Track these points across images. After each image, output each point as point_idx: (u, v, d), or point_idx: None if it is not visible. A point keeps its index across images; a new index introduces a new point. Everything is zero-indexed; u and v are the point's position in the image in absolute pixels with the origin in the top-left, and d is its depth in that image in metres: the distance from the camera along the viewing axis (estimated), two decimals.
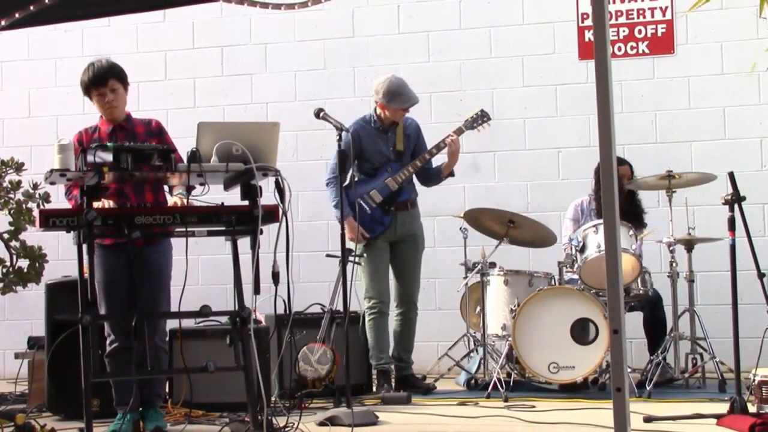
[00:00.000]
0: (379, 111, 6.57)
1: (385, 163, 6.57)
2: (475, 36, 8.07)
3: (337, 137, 5.63)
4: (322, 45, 8.27)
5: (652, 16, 7.86)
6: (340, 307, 5.68)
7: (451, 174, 6.70)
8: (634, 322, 6.81)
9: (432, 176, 6.73)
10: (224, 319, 4.60)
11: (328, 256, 6.23)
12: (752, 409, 5.11)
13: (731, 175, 5.23)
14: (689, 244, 6.60)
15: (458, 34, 8.10)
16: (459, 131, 6.57)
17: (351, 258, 5.99)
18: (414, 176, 6.67)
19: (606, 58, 2.39)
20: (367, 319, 6.53)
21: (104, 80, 4.94)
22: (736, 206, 5.27)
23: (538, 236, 6.76)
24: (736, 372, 5.20)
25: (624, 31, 7.91)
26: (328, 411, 5.37)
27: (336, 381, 5.98)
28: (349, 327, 5.63)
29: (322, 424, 5.16)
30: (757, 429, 4.70)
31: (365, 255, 6.47)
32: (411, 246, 6.63)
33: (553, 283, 6.57)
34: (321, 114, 5.79)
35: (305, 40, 8.26)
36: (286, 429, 4.58)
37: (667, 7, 7.80)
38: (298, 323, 6.16)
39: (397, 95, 6.48)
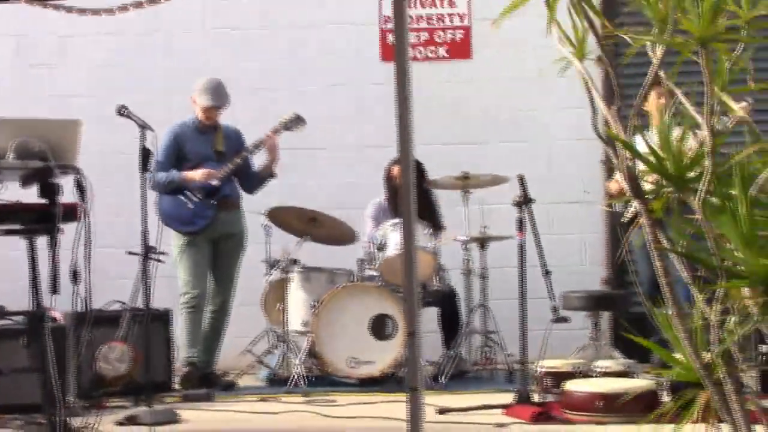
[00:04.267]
0: (196, 111, 6.63)
1: (205, 163, 6.60)
2: (278, 35, 8.12)
3: (140, 135, 5.60)
4: (125, 40, 8.13)
5: (451, 21, 8.13)
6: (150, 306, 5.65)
7: (272, 175, 6.79)
8: (430, 317, 7.06)
9: (254, 178, 6.81)
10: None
11: (129, 253, 6.17)
12: (537, 398, 5.43)
13: (521, 178, 5.53)
14: (483, 243, 6.91)
15: (262, 33, 8.13)
16: (275, 130, 6.68)
17: (153, 255, 5.95)
18: (239, 183, 6.72)
19: (405, 60, 2.51)
20: (182, 313, 6.54)
21: None
22: (525, 207, 5.58)
23: (339, 234, 6.91)
24: (522, 364, 5.52)
25: (424, 35, 8.15)
26: (127, 410, 5.35)
27: (136, 379, 5.94)
28: (150, 324, 5.62)
29: (121, 423, 5.13)
30: (539, 417, 5.01)
31: (185, 250, 6.50)
32: (232, 246, 6.70)
33: (353, 279, 6.73)
34: (124, 111, 5.74)
35: (109, 33, 8.10)
36: (84, 430, 4.54)
37: (465, 14, 8.10)
38: (98, 321, 6.05)
39: (208, 93, 6.54)
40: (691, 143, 3.08)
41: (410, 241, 2.56)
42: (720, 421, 2.97)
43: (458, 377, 6.64)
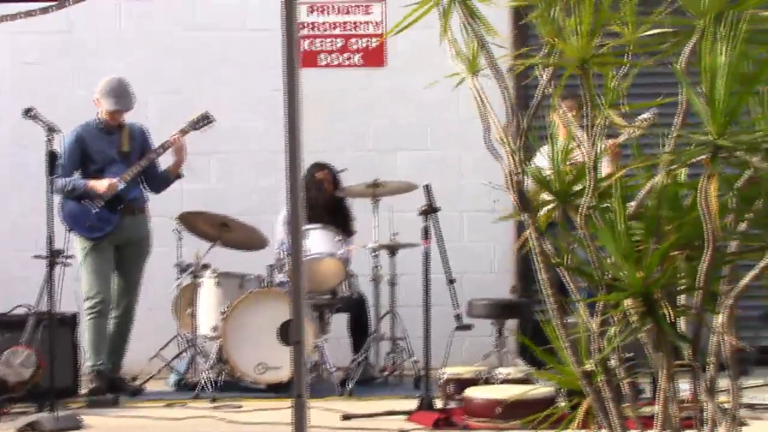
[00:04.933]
0: (101, 111, 6.57)
1: (110, 164, 6.56)
2: (196, 38, 8.09)
3: (47, 138, 5.57)
4: (37, 39, 8.03)
5: (366, 29, 8.20)
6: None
7: (179, 175, 6.77)
8: (339, 324, 7.12)
9: (160, 179, 6.77)
10: None
11: (35, 257, 6.12)
12: (440, 405, 5.52)
13: (427, 188, 5.62)
14: (392, 250, 6.99)
15: (178, 36, 8.10)
16: (183, 131, 6.66)
17: (59, 259, 5.91)
18: (144, 183, 6.69)
19: (294, 67, 2.55)
20: (86, 319, 6.49)
21: None
22: (430, 216, 5.68)
23: (250, 239, 6.93)
24: (425, 370, 5.60)
25: (339, 42, 8.21)
26: (29, 416, 5.30)
27: (41, 384, 5.88)
28: (55, 329, 5.58)
29: (22, 429, 5.09)
30: (440, 423, 5.10)
31: (89, 255, 6.44)
32: (136, 251, 6.67)
33: (263, 285, 6.76)
34: (31, 113, 5.70)
35: (20, 32, 7.98)
36: None
37: (380, 22, 8.18)
38: (2, 326, 6.02)
39: (112, 96, 6.50)
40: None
41: (298, 247, 2.60)
42: (600, 427, 3.08)
43: (366, 383, 6.71)
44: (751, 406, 5.39)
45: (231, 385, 6.55)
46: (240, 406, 5.93)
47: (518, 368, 5.78)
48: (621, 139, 5.47)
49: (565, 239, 3.14)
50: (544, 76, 2.94)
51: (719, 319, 2.85)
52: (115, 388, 6.44)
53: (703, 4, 2.68)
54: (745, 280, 2.79)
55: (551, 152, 3.17)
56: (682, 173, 2.96)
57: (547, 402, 4.96)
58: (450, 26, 3.11)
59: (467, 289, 7.05)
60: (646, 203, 3.04)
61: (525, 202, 3.02)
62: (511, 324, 7.08)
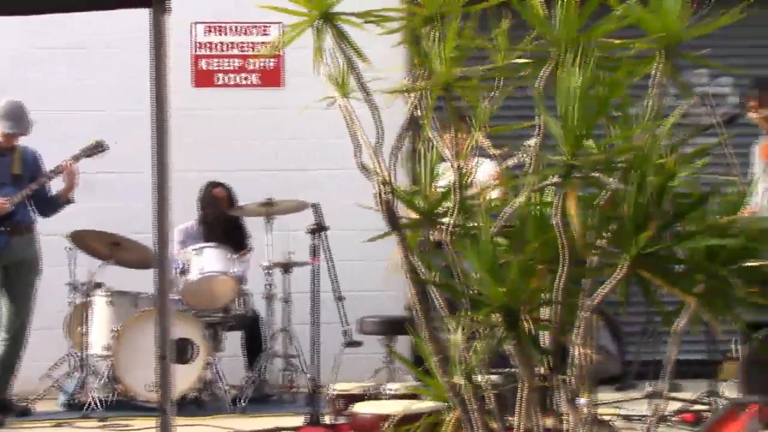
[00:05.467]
0: None
1: (0, 186, 6.48)
2: (83, 57, 8.00)
3: None
4: None
5: (264, 49, 8.24)
6: None
7: (69, 201, 6.72)
8: (234, 341, 7.14)
9: (50, 203, 6.71)
10: None
11: None
12: (329, 420, 5.58)
13: (315, 206, 5.71)
14: (286, 268, 7.03)
15: (69, 55, 8.00)
16: (76, 157, 6.63)
17: None
18: (33, 206, 6.63)
19: (163, 86, 2.59)
20: None
21: None
22: (319, 234, 5.77)
23: (143, 258, 6.89)
24: (314, 387, 5.68)
25: (237, 62, 8.25)
26: None
27: None
28: None
29: None
30: None
31: None
32: (25, 271, 6.59)
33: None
34: None
35: None
36: None
37: (278, 43, 8.24)
38: None
39: (9, 119, 6.45)
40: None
41: (164, 263, 2.65)
42: None
43: (260, 400, 6.74)
44: (628, 418, 5.58)
45: (122, 405, 6.51)
46: (129, 426, 5.91)
47: (407, 384, 5.87)
48: (510, 162, 5.63)
49: (433, 257, 3.25)
50: (411, 100, 3.06)
51: (576, 332, 2.98)
52: (2, 409, 6.35)
53: (557, 32, 2.83)
54: (602, 293, 2.93)
55: (422, 173, 3.29)
56: (551, 192, 3.09)
57: (434, 416, 5.08)
58: (323, 49, 3.21)
59: (361, 306, 7.12)
60: (512, 221, 3.17)
61: (394, 221, 3.12)
62: (405, 340, 7.18)
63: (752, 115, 5.98)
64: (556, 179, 2.67)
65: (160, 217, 2.59)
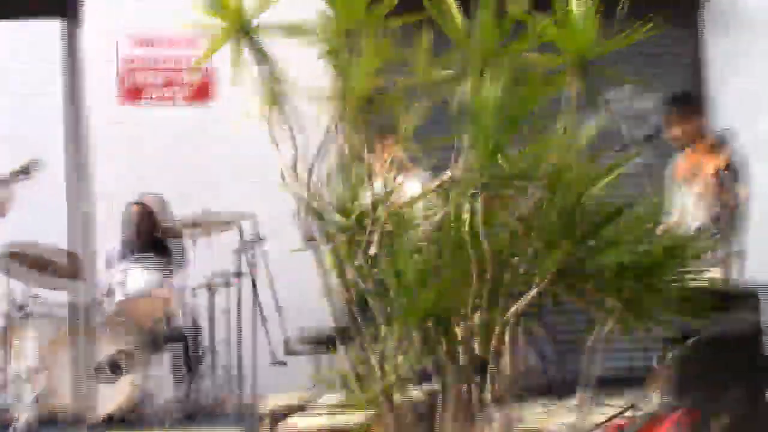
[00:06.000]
0: None
1: None
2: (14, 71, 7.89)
3: None
4: None
5: (192, 64, 8.17)
6: None
7: None
8: (166, 358, 7.05)
9: None
10: None
11: None
12: None
13: (245, 221, 5.69)
14: (216, 285, 6.96)
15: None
16: (13, 178, 6.55)
17: None
18: None
19: (78, 99, 2.55)
20: None
21: None
22: (252, 248, 5.75)
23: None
24: (246, 402, 5.64)
25: (166, 76, 8.18)
26: None
27: None
28: None
29: None
30: None
31: None
32: None
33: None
34: None
35: None
36: None
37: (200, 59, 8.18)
38: None
39: None
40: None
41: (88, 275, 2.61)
42: None
43: (191, 417, 6.67)
44: (557, 428, 5.61)
45: (51, 425, 6.41)
46: None
47: (339, 396, 5.85)
48: (444, 176, 5.67)
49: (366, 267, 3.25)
50: (331, 113, 3.06)
51: (500, 341, 3.01)
52: None
53: (473, 48, 2.85)
54: (520, 304, 2.95)
55: (350, 184, 3.28)
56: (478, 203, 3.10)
57: (362, 428, 5.08)
58: (242, 63, 3.20)
59: (298, 319, 7.08)
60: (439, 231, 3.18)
61: (308, 234, 3.12)
62: (341, 352, 7.15)
63: (669, 133, 6.03)
64: (469, 192, 2.69)
65: (84, 233, 2.56)
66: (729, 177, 5.84)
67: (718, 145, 6.04)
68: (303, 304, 7.48)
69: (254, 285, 6.62)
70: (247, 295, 5.93)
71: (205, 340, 7.01)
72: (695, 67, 8.49)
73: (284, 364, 6.41)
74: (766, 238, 7.26)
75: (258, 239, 5.86)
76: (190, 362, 7.00)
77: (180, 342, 7.01)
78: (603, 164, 2.96)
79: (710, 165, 5.88)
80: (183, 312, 7.01)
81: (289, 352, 6.44)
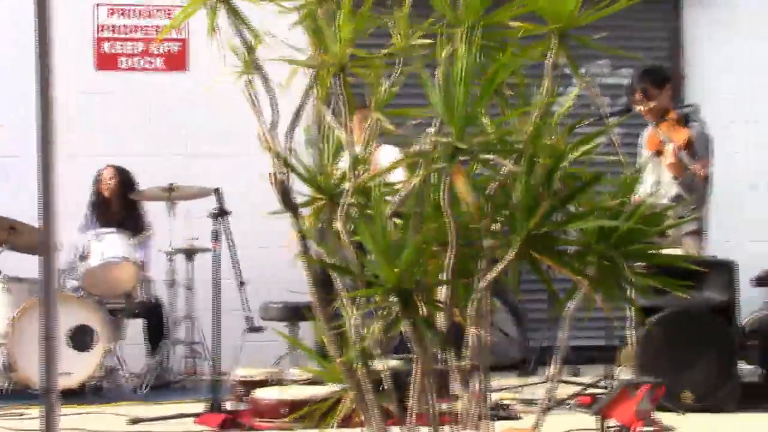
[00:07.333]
0: None
1: None
2: None
3: None
4: None
5: (168, 33, 8.10)
6: None
7: None
8: (136, 329, 7.03)
9: None
10: None
11: None
12: (230, 406, 5.53)
13: (217, 191, 5.67)
14: (189, 254, 6.94)
15: None
16: None
17: None
18: None
19: (48, 69, 2.47)
20: None
21: None
22: (221, 219, 5.72)
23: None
24: (216, 373, 5.63)
25: (140, 46, 8.11)
26: None
27: None
28: None
29: None
30: (227, 424, 5.13)
31: None
32: None
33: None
34: None
35: None
36: None
37: (182, 26, 8.11)
38: None
39: None
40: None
41: (49, 263, 2.55)
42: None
43: (162, 387, 6.65)
44: (527, 402, 5.65)
45: (18, 394, 6.35)
46: (23, 414, 5.77)
47: (309, 369, 5.84)
48: (416, 146, 5.64)
49: (328, 238, 3.22)
50: (307, 80, 3.03)
51: (468, 313, 2.99)
52: None
53: (460, 13, 2.82)
54: (491, 275, 2.93)
55: (324, 153, 3.26)
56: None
57: (334, 401, 5.07)
58: (218, 27, 3.16)
59: (265, 292, 7.06)
60: (408, 203, 3.16)
61: (289, 201, 3.10)
62: (309, 325, 7.15)
63: (639, 107, 6.06)
64: (443, 160, 2.67)
65: (45, 201, 2.51)
66: (687, 155, 5.91)
67: (682, 121, 6.10)
68: (274, 275, 7.56)
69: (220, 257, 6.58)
70: (217, 266, 5.87)
71: (176, 310, 6.98)
72: (673, 41, 8.53)
73: (261, 330, 6.40)
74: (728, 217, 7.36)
75: (225, 210, 5.83)
76: (162, 331, 6.97)
77: (153, 310, 6.98)
78: (578, 135, 2.95)
79: (671, 143, 5.95)
80: (155, 280, 6.98)
81: (252, 329, 6.43)
